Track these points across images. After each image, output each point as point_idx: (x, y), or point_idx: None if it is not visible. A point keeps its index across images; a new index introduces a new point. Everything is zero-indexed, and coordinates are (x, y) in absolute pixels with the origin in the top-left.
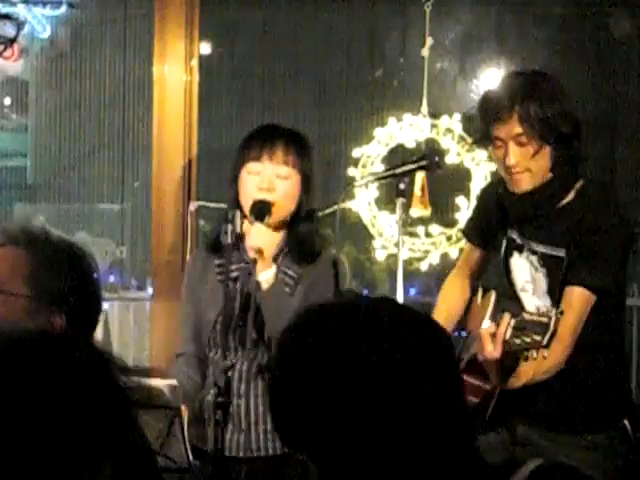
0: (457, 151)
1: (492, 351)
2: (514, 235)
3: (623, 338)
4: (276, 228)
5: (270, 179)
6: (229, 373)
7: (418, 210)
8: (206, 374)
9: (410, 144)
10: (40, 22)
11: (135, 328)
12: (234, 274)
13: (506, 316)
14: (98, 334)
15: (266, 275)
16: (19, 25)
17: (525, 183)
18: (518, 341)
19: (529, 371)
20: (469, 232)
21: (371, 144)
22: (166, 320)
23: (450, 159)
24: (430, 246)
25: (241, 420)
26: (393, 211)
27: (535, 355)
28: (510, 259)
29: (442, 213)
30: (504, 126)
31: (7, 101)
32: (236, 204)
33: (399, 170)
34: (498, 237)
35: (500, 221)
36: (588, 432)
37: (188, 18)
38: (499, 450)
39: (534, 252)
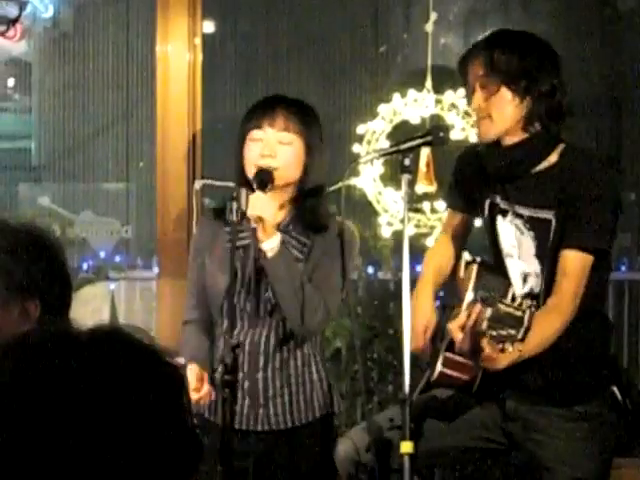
0: (462, 126)
1: (461, 343)
2: (497, 199)
3: (604, 303)
4: (282, 197)
5: (272, 145)
6: (237, 351)
7: (424, 186)
8: (215, 342)
9: (415, 120)
10: (42, 1)
11: (142, 307)
12: (242, 242)
13: (476, 307)
14: (105, 314)
15: (270, 244)
16: (21, 5)
17: (486, 129)
18: (494, 333)
19: (508, 356)
20: (449, 197)
21: (375, 120)
22: (172, 299)
23: (455, 135)
24: (436, 222)
25: (259, 394)
26: (398, 187)
27: (510, 348)
28: (495, 224)
29: None
30: (471, 68)
31: (11, 82)
32: (241, 175)
33: (404, 146)
34: (480, 202)
35: (482, 185)
36: (577, 403)
37: None
38: (492, 427)
39: (519, 215)
